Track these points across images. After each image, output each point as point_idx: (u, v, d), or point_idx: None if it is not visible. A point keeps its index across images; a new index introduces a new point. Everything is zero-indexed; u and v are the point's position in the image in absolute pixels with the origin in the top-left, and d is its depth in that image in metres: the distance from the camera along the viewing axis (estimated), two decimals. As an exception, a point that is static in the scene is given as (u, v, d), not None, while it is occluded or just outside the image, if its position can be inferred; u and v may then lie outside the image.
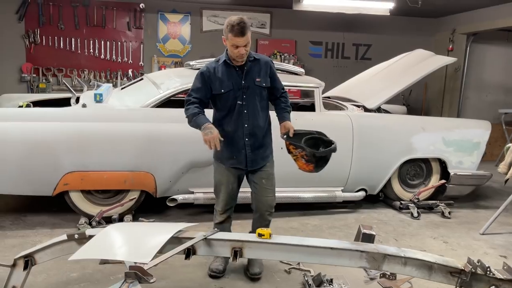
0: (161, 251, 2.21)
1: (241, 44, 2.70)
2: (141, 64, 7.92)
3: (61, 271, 2.96)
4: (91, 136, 3.67)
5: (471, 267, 2.15)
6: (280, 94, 3.08)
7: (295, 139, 2.89)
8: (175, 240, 2.32)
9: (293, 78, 4.54)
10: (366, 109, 4.82)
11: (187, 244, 2.27)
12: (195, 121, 2.80)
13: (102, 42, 7.74)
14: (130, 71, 7.80)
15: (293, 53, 8.17)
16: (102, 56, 7.75)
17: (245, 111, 2.87)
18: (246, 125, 2.89)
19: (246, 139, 2.91)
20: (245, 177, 3.09)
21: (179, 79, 4.13)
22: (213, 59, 4.67)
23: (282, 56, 7.93)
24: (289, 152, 2.92)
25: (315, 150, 2.86)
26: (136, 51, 7.91)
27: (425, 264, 2.19)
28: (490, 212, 4.60)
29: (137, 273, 1.87)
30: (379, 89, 4.99)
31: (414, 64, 5.12)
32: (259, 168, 2.99)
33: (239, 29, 2.67)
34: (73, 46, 7.62)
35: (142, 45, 7.91)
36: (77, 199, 3.82)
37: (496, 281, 2.14)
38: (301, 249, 2.30)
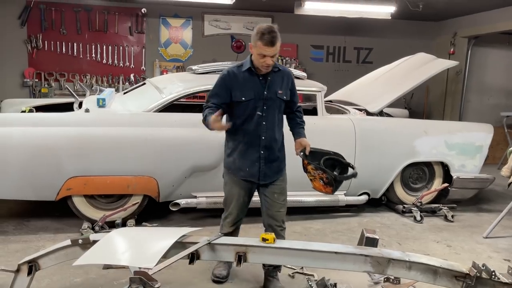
0: (165, 256, 2.20)
1: (269, 54, 2.59)
2: (143, 69, 7.94)
3: (65, 276, 2.95)
4: (94, 141, 3.67)
5: (476, 271, 2.15)
6: (295, 109, 2.98)
7: (311, 158, 2.78)
8: (179, 245, 2.32)
9: (296, 82, 4.53)
10: (368, 113, 4.83)
11: (191, 249, 2.27)
12: (206, 120, 2.65)
13: (104, 47, 7.77)
14: (132, 76, 7.81)
15: (294, 57, 8.18)
16: (104, 61, 7.78)
17: (264, 123, 2.75)
18: (263, 137, 2.77)
19: (262, 152, 2.78)
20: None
21: (182, 84, 4.14)
22: (218, 63, 4.68)
23: (284, 60, 7.94)
24: (306, 171, 2.81)
25: (334, 173, 2.77)
26: (138, 56, 7.93)
27: (430, 268, 2.19)
28: (493, 215, 4.59)
29: (142, 278, 1.87)
30: (381, 93, 5.00)
31: (416, 68, 5.13)
32: (272, 182, 2.86)
33: (270, 39, 2.55)
34: (75, 51, 7.64)
35: (144, 50, 7.93)
36: (80, 204, 3.82)
37: (501, 285, 2.14)
38: (305, 253, 2.29)
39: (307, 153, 2.80)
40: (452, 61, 5.25)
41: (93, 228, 3.71)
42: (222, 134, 3.56)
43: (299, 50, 8.34)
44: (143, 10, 7.72)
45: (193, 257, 2.32)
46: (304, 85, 4.52)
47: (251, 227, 4.09)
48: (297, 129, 2.95)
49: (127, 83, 7.70)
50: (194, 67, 4.46)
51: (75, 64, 7.66)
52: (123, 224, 3.78)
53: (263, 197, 2.90)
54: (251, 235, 3.84)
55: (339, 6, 6.48)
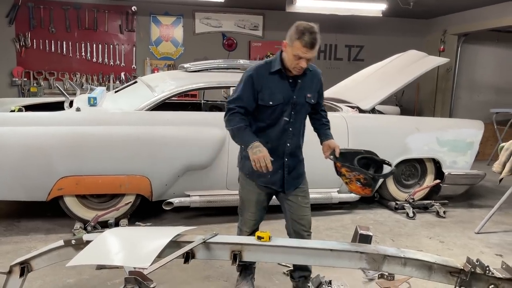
0: (160, 256, 2.18)
1: (307, 57, 2.35)
2: (133, 67, 7.89)
3: (57, 278, 2.92)
4: (86, 140, 3.63)
5: (470, 266, 2.15)
6: (321, 108, 2.76)
7: (342, 160, 2.60)
8: (173, 244, 2.29)
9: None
10: (361, 110, 4.84)
11: (186, 248, 2.24)
12: (241, 137, 2.44)
13: (94, 45, 7.70)
14: (122, 74, 7.76)
15: (286, 55, 8.17)
16: (94, 59, 7.71)
17: (290, 129, 2.54)
18: (288, 144, 2.56)
19: (286, 159, 2.57)
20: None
21: (174, 82, 4.11)
22: (210, 61, 4.61)
23: (275, 58, 7.93)
24: (340, 174, 2.61)
25: (371, 172, 2.60)
26: (128, 54, 7.87)
27: (425, 264, 2.19)
28: (485, 211, 4.63)
29: (137, 278, 1.85)
30: (373, 90, 5.01)
31: (407, 65, 5.15)
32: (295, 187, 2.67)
33: (310, 40, 2.31)
34: (64, 49, 7.57)
35: (134, 48, 7.88)
36: (71, 204, 3.78)
37: (495, 280, 2.15)
38: (300, 251, 2.28)
39: (337, 155, 2.61)
40: (443, 58, 5.28)
41: (85, 228, 3.68)
42: (219, 133, 3.50)
43: (291, 48, 8.33)
44: (133, 8, 7.67)
45: (188, 256, 2.30)
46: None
47: (245, 225, 4.08)
48: (324, 131, 2.73)
49: (117, 82, 7.65)
50: (186, 65, 4.44)
51: (64, 62, 7.59)
52: (116, 223, 3.76)
53: (286, 202, 2.68)
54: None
55: (330, 3, 6.50)
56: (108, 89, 6.20)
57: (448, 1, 6.96)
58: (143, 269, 1.96)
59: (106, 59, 7.77)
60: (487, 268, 2.16)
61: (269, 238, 2.31)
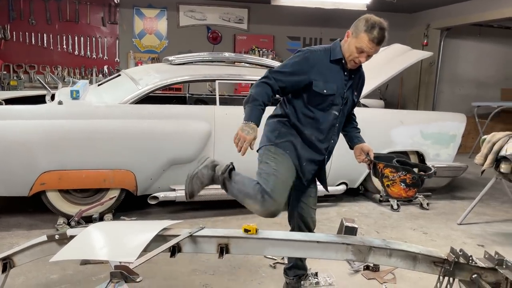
0: (145, 250, 2.16)
1: (370, 52, 2.23)
2: (116, 60, 7.77)
3: (41, 273, 2.87)
4: (69, 134, 3.57)
5: (454, 256, 2.19)
6: (353, 111, 2.63)
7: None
8: (159, 238, 2.27)
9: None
10: (346, 104, 4.86)
11: (173, 241, 2.23)
12: (250, 109, 2.25)
13: (76, 38, 7.56)
14: (105, 68, 7.65)
15: (271, 49, 8.16)
16: (76, 52, 7.58)
17: (337, 125, 2.42)
18: (332, 141, 2.45)
19: (326, 157, 2.48)
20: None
21: (158, 75, 4.06)
22: (195, 54, 4.56)
23: (261, 52, 7.91)
24: (382, 176, 2.46)
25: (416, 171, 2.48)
26: (111, 47, 7.75)
27: (410, 255, 2.22)
28: (466, 202, 4.72)
29: (123, 272, 1.82)
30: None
31: (392, 59, 5.18)
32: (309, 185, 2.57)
33: (379, 36, 2.20)
34: (45, 42, 7.42)
35: (117, 41, 7.76)
36: (54, 199, 3.72)
37: (478, 270, 2.19)
38: (287, 243, 2.29)
39: (371, 158, 2.50)
40: (427, 52, 5.33)
41: (68, 224, 3.62)
42: (205, 127, 3.46)
43: (276, 42, 8.33)
44: (116, 0, 7.53)
45: (175, 250, 2.28)
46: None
47: (232, 218, 4.09)
48: (355, 134, 2.60)
49: (100, 75, 7.53)
50: (170, 58, 4.39)
51: (45, 55, 7.44)
52: (101, 218, 3.71)
53: (298, 201, 2.60)
54: (232, 225, 3.83)
55: (315, -3, 6.50)
56: (91, 82, 6.10)
57: (431, -4, 7.05)
58: (129, 264, 1.94)
59: (88, 52, 7.64)
60: (470, 258, 2.20)
61: (256, 231, 2.31)
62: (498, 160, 3.81)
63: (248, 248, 2.33)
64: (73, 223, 3.60)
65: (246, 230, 2.31)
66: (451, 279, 2.24)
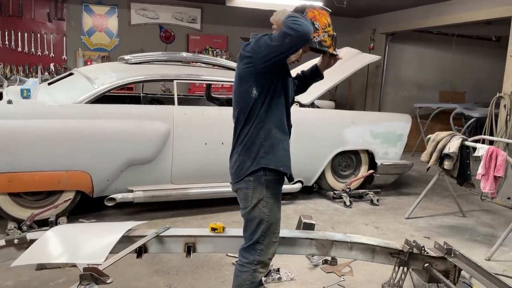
0: (112, 251, 2.15)
1: None
2: (64, 58, 7.47)
3: (-6, 281, 2.74)
4: (20, 134, 3.42)
5: (408, 247, 2.36)
6: None
7: None
8: (126, 239, 2.27)
9: (230, 74, 4.57)
10: (301, 105, 5.00)
11: (140, 242, 2.23)
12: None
13: (20, 34, 7.18)
14: (52, 65, 7.32)
15: (224, 49, 8.19)
16: (20, 49, 7.20)
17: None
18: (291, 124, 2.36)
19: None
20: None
21: (115, 74, 3.98)
22: (151, 53, 4.50)
23: (214, 52, 7.92)
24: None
25: None
26: (58, 44, 7.44)
27: (369, 247, 2.37)
28: (412, 198, 5.02)
29: (93, 274, 1.81)
30: (312, 86, 5.19)
31: (343, 62, 5.36)
32: None
33: None
34: (-15, 37, 6.98)
35: (65, 38, 7.46)
36: (4, 202, 3.55)
37: (430, 259, 2.37)
38: (254, 240, 2.35)
39: None
40: (375, 56, 5.60)
41: (19, 228, 3.45)
42: (164, 127, 3.40)
43: (229, 42, 8.36)
44: (63, -5, 7.24)
45: (141, 250, 2.29)
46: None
47: (191, 218, 4.10)
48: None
49: (46, 73, 7.19)
50: (126, 57, 4.32)
51: (-15, 52, 7.00)
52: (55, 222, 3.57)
53: None
54: (192, 225, 3.84)
55: (269, 0, 6.60)
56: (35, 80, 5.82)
57: (377, 2, 7.37)
58: (98, 265, 1.92)
59: (33, 49, 7.27)
60: (423, 248, 2.38)
61: (223, 229, 2.36)
62: (442, 157, 4.10)
63: (215, 246, 2.38)
64: (24, 228, 3.42)
65: (213, 229, 2.36)
66: (405, 268, 2.42)
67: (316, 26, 2.19)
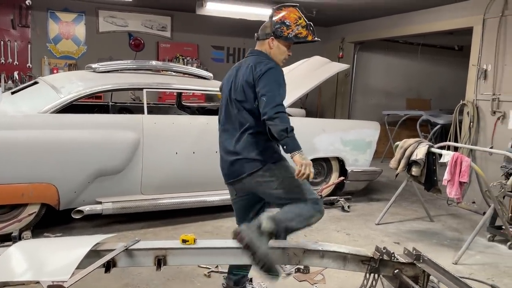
0: (79, 267, 2.07)
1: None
2: (29, 66, 7.24)
3: (-49, 301, 2.59)
4: (-20, 146, 3.28)
5: (379, 254, 2.39)
6: None
7: None
8: (93, 253, 2.19)
9: (201, 82, 4.56)
10: (272, 113, 5.02)
11: (108, 256, 2.16)
12: (293, 137, 2.41)
13: (-19, 41, 6.92)
14: (16, 74, 7.07)
15: (195, 57, 8.15)
16: (-19, 56, 6.93)
17: None
18: None
19: None
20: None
21: (82, 83, 3.89)
22: (120, 62, 4.42)
23: (185, 60, 7.87)
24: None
25: None
26: (22, 52, 7.20)
27: (341, 255, 2.38)
28: (382, 204, 5.11)
29: (58, 292, 1.74)
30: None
31: (313, 70, 5.46)
32: None
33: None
34: None
35: (29, 45, 7.23)
36: (-37, 217, 3.39)
37: (399, 265, 2.40)
38: (226, 251, 2.33)
39: None
40: (344, 65, 5.69)
41: (-20, 244, 3.31)
42: (133, 136, 3.36)
43: (200, 50, 8.33)
44: (28, 2, 7.02)
45: (109, 265, 2.22)
46: (210, 85, 4.56)
47: (161, 230, 4.03)
48: None
49: (10, 82, 6.95)
50: (94, 66, 4.22)
51: None
52: (19, 236, 3.43)
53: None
54: (163, 237, 3.77)
55: (239, 8, 6.63)
56: None
57: (346, 12, 7.52)
58: (63, 282, 1.85)
59: (-5, 57, 7.03)
60: (393, 255, 2.41)
61: (194, 241, 2.32)
62: (410, 164, 4.19)
63: (186, 258, 2.33)
64: (-15, 243, 3.29)
65: (184, 241, 2.32)
66: (376, 275, 2.44)
67: (287, 23, 2.51)
